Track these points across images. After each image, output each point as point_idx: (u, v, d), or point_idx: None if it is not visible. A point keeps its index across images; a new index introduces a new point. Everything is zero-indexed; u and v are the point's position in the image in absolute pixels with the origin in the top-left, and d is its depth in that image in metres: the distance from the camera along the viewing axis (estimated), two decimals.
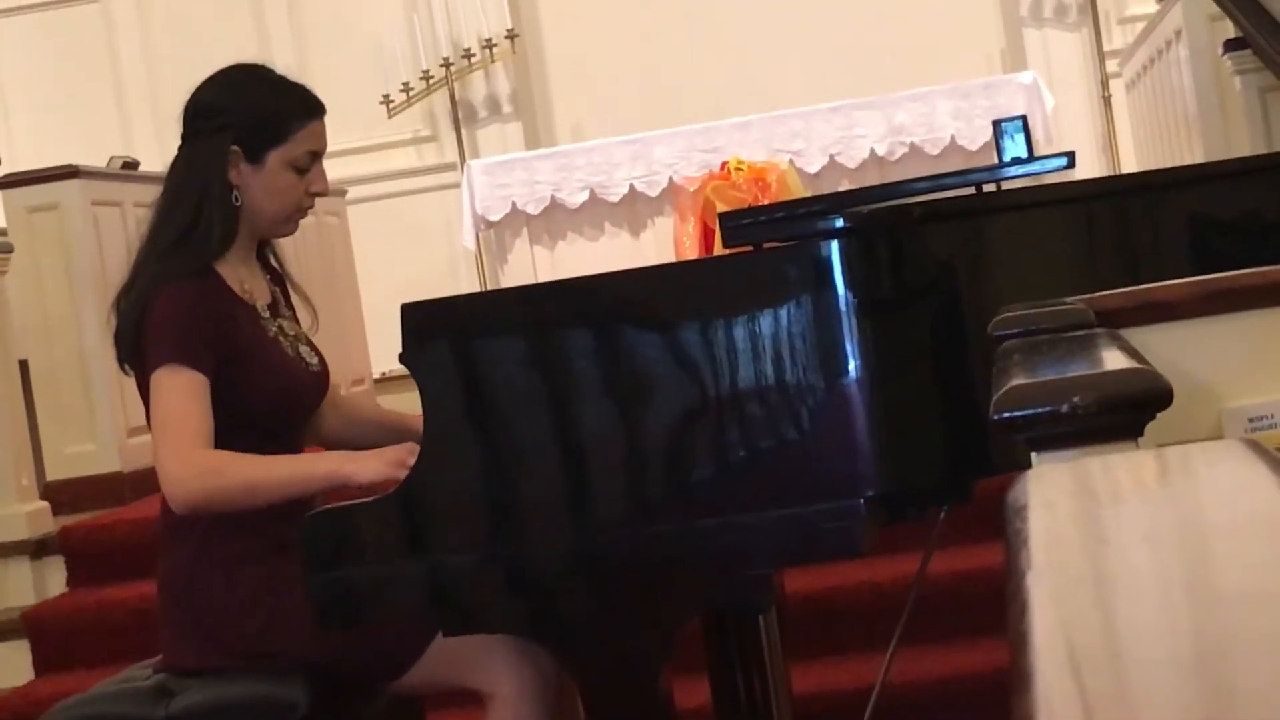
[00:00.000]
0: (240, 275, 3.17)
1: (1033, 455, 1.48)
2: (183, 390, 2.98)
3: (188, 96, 3.18)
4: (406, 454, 2.90)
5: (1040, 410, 1.42)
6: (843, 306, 2.77)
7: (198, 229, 3.09)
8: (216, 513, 2.99)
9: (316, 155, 3.18)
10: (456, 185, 9.23)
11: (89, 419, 5.99)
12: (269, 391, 3.10)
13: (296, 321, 3.30)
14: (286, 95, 3.17)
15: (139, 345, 3.05)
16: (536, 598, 2.85)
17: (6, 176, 6.05)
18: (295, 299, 3.34)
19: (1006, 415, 1.45)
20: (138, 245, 3.17)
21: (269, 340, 3.15)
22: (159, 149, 8.97)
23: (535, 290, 3.77)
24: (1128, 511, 0.98)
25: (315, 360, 3.25)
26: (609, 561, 2.80)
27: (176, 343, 2.99)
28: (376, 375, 8.14)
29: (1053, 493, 0.97)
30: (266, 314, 3.19)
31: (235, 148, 3.11)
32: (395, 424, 3.37)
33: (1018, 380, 1.50)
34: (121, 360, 3.12)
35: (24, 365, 5.93)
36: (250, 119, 3.12)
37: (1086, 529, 0.89)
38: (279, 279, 3.30)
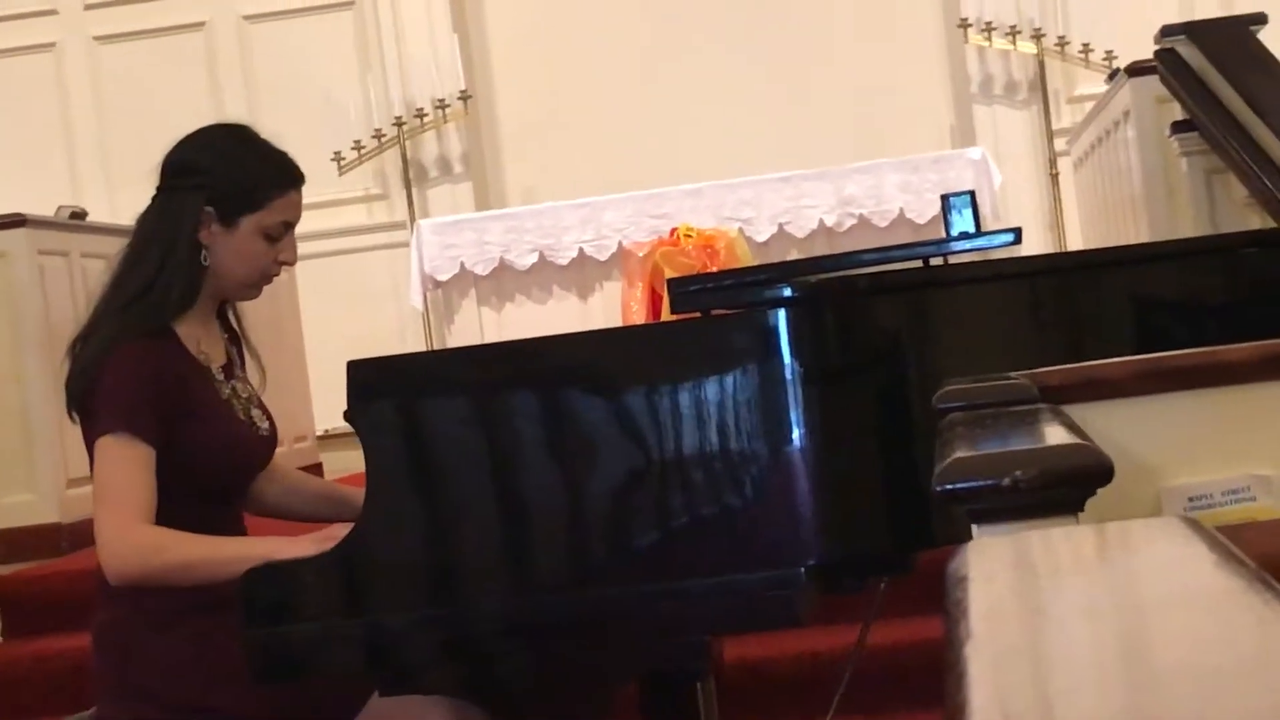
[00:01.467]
0: (198, 335, 3.15)
1: (974, 527, 1.49)
2: (128, 461, 2.96)
3: (145, 148, 3.17)
4: (338, 530, 2.90)
5: (982, 483, 1.43)
6: (788, 375, 2.78)
7: (160, 285, 3.07)
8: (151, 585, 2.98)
9: (290, 225, 3.17)
10: (406, 244, 9.23)
11: (28, 469, 5.95)
12: (217, 454, 3.08)
13: (249, 383, 3.29)
14: (268, 162, 3.15)
15: (89, 402, 3.03)
16: (475, 659, 2.84)
17: None
18: (248, 358, 3.33)
19: (949, 487, 1.46)
20: (98, 293, 3.15)
21: (221, 403, 3.14)
22: (107, 199, 8.97)
23: (482, 351, 3.77)
24: (1067, 585, 0.99)
25: (266, 424, 3.23)
26: (548, 623, 2.79)
27: (126, 412, 2.98)
28: (320, 432, 8.12)
29: (993, 565, 0.98)
30: (220, 376, 3.17)
31: (209, 208, 3.09)
32: (332, 494, 3.37)
33: (960, 453, 1.52)
34: (70, 409, 3.11)
35: None
36: (228, 182, 3.10)
37: (1026, 602, 0.90)
38: (236, 339, 3.29)
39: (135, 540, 2.94)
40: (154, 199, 3.16)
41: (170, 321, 3.10)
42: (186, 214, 3.08)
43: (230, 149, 3.15)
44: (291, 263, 3.23)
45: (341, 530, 2.88)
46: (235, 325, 3.28)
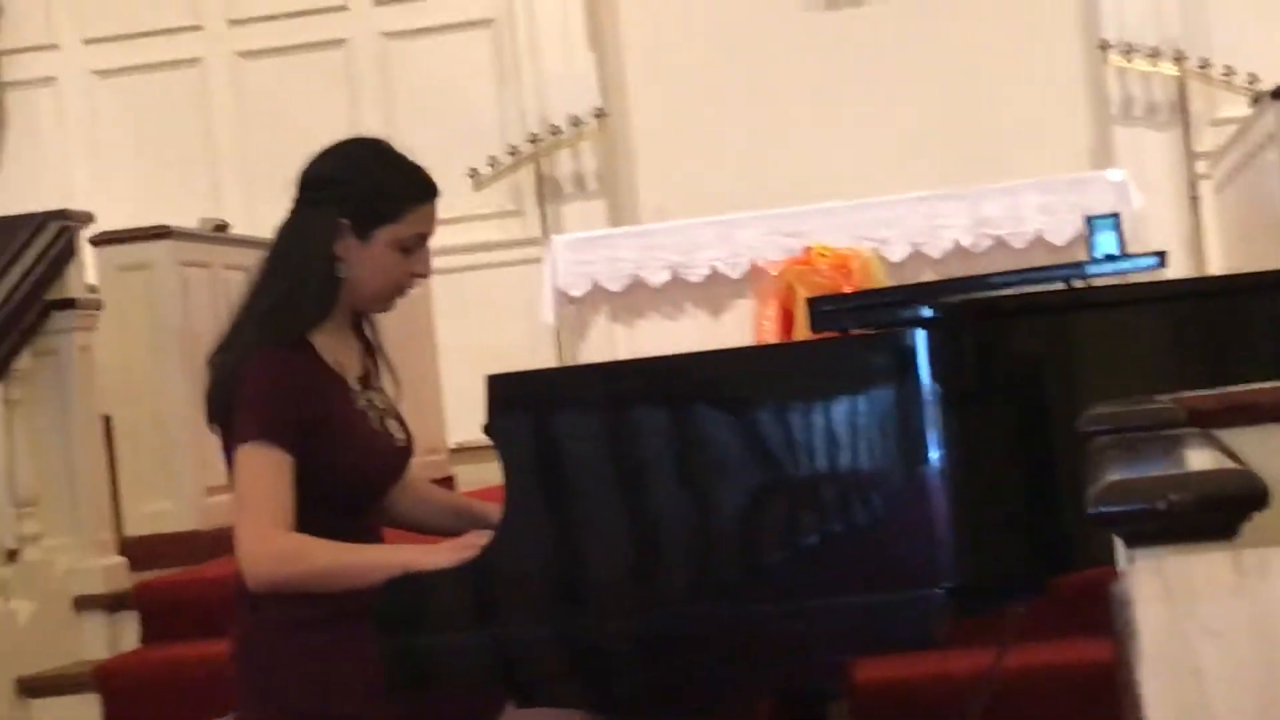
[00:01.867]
0: (334, 347, 3.18)
1: (1126, 551, 1.48)
2: (267, 469, 2.99)
3: (286, 163, 3.21)
4: (476, 539, 2.92)
5: (1136, 507, 1.42)
6: (926, 396, 2.76)
7: (297, 296, 3.11)
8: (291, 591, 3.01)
9: (424, 238, 3.19)
10: (538, 260, 9.27)
11: (169, 477, 6.02)
12: (353, 465, 3.11)
13: (386, 394, 3.31)
14: (404, 175, 3.18)
15: (228, 413, 3.07)
16: (604, 674, 2.85)
17: (99, 235, 6.11)
18: (383, 370, 3.35)
19: (1102, 510, 1.45)
20: (237, 304, 3.19)
21: (356, 414, 3.16)
22: (248, 212, 9.07)
23: (619, 367, 3.78)
24: (1231, 607, 0.98)
25: (401, 435, 3.25)
26: (678, 641, 2.79)
27: (265, 419, 3.01)
28: (452, 445, 8.17)
29: (1158, 588, 0.97)
30: (357, 386, 3.20)
31: (345, 221, 3.11)
32: (462, 508, 3.39)
33: (1113, 476, 1.50)
34: (210, 419, 3.15)
35: (107, 421, 5.98)
36: (364, 194, 3.13)
37: (1194, 623, 0.89)
38: (372, 350, 3.31)
39: (275, 547, 2.97)
40: (291, 211, 3.19)
41: (306, 332, 3.13)
42: (323, 226, 3.12)
43: (366, 162, 3.18)
44: (425, 275, 3.25)
45: (480, 539, 2.89)
46: (370, 337, 3.31)
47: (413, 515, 3.36)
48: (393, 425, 3.24)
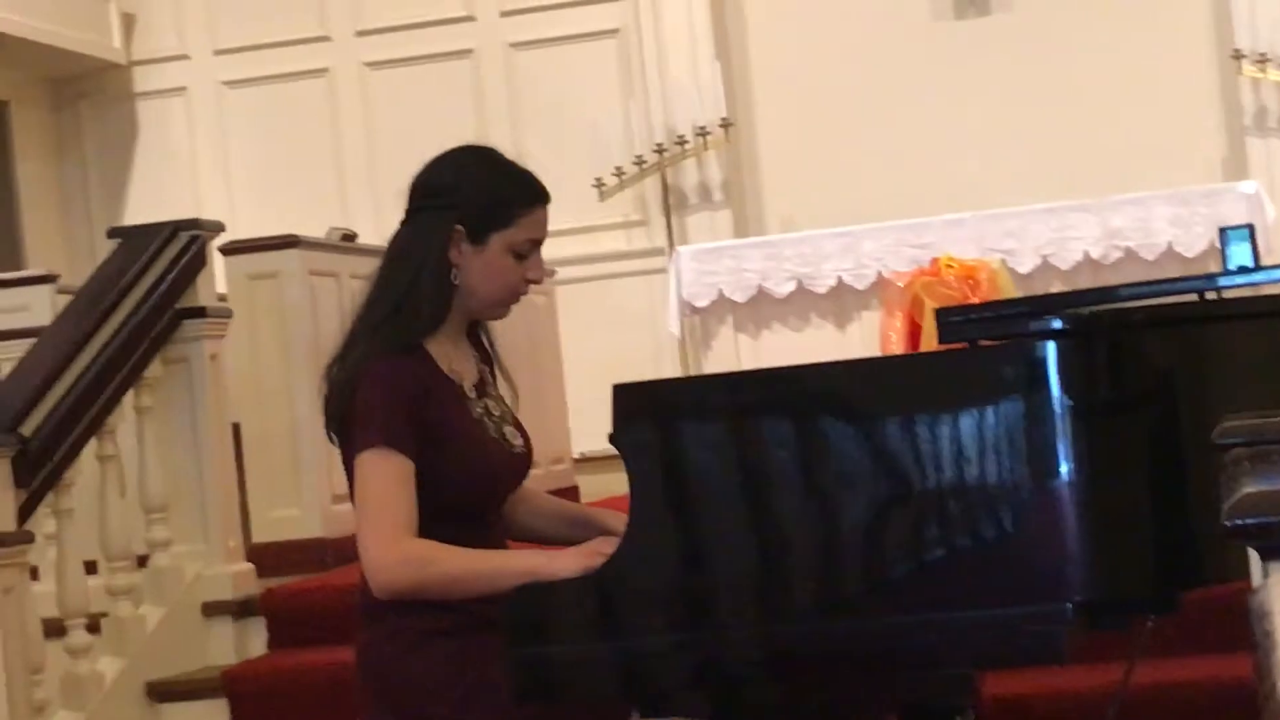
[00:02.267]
0: (449, 354, 3.19)
1: (1262, 564, 1.45)
2: (389, 475, 3.01)
3: (412, 173, 3.22)
4: (602, 546, 2.91)
5: (1273, 519, 1.39)
6: (1057, 408, 2.73)
7: (411, 304, 3.12)
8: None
9: (537, 243, 3.20)
10: (663, 270, 9.27)
11: (295, 484, 6.07)
12: (469, 472, 3.11)
13: (503, 401, 3.32)
14: (514, 180, 3.19)
15: (347, 422, 3.08)
16: (730, 687, 2.84)
17: (229, 244, 6.17)
18: (500, 378, 3.36)
19: (1238, 523, 1.42)
20: (352, 315, 3.21)
21: (472, 421, 3.16)
22: (375, 222, 9.14)
23: (745, 378, 3.77)
24: None
25: (519, 442, 3.25)
26: (803, 654, 2.78)
27: (384, 426, 3.02)
28: (576, 455, 8.18)
29: None
30: (472, 394, 3.20)
31: (459, 227, 3.13)
32: (580, 517, 3.38)
33: (1249, 488, 1.48)
34: (328, 430, 3.16)
35: (235, 429, 6.03)
36: (477, 200, 3.14)
37: None
38: (488, 358, 3.32)
39: (401, 554, 2.98)
40: (403, 222, 3.20)
41: (422, 339, 3.14)
42: (437, 233, 3.13)
43: (477, 169, 3.19)
44: (539, 281, 3.25)
45: (607, 547, 2.88)
46: (487, 344, 3.32)
47: (532, 526, 3.36)
48: (510, 432, 3.24)
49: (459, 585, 2.99)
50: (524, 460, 3.26)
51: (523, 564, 2.98)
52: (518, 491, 3.30)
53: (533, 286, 3.24)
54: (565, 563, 2.94)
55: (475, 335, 3.30)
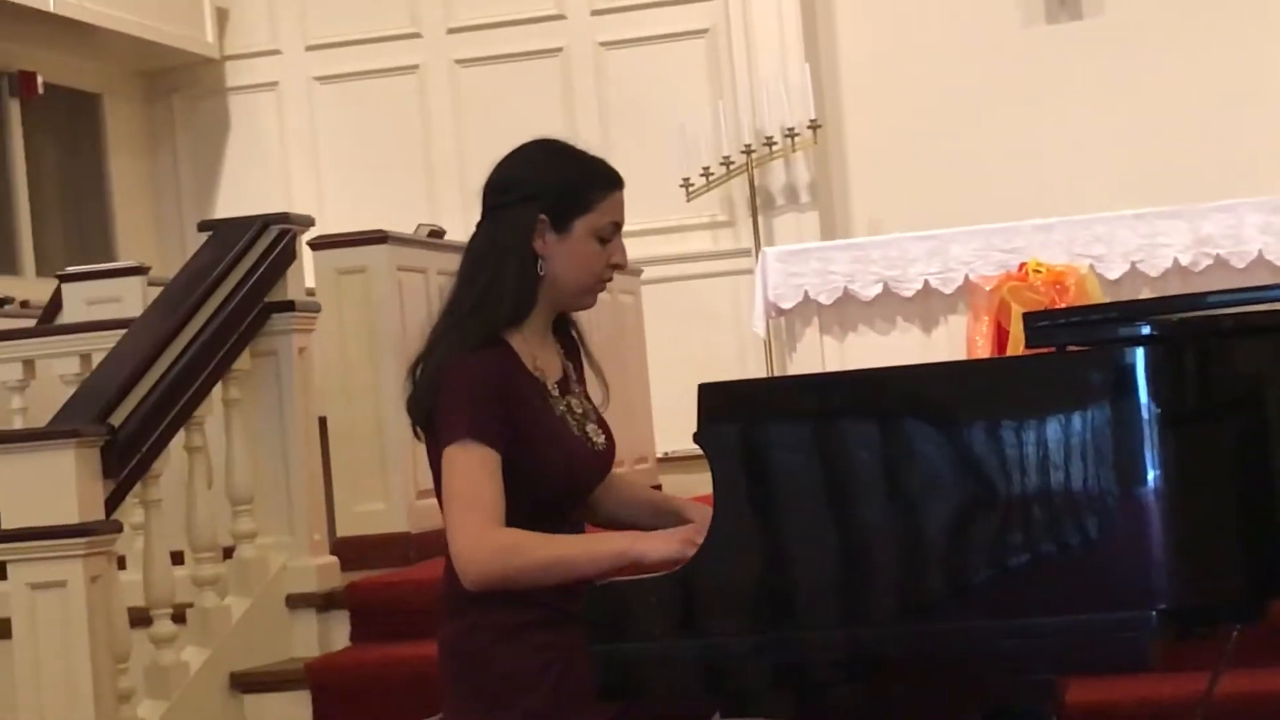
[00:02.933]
0: (533, 349, 3.20)
1: None
2: (476, 467, 3.02)
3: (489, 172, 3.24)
4: (695, 533, 2.91)
5: None
6: (1145, 415, 2.72)
7: (491, 299, 3.14)
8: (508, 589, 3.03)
9: (618, 226, 3.22)
10: (749, 271, 9.27)
11: (381, 478, 6.10)
12: (551, 470, 3.12)
13: (588, 398, 3.32)
14: (587, 166, 3.22)
15: (432, 417, 3.10)
16: (808, 687, 2.84)
17: (318, 238, 6.21)
18: (589, 374, 3.37)
19: None
20: (436, 312, 3.23)
21: (554, 418, 3.18)
22: (463, 219, 9.16)
23: (831, 379, 3.77)
24: None
25: (602, 439, 3.26)
26: (885, 656, 2.77)
27: (470, 418, 3.04)
28: (660, 454, 8.19)
29: None
30: (555, 391, 3.21)
31: (543, 217, 3.15)
32: (665, 506, 3.39)
33: None
34: (415, 426, 3.18)
35: (322, 422, 6.07)
36: (556, 189, 3.16)
37: None
38: (574, 355, 3.33)
39: (492, 544, 2.99)
40: (480, 223, 3.22)
41: (505, 331, 3.15)
42: (521, 226, 3.15)
43: (550, 160, 3.22)
44: (624, 265, 3.27)
45: (700, 536, 2.88)
46: (576, 336, 3.33)
47: (617, 515, 3.37)
48: (592, 429, 3.25)
49: (551, 571, 3.00)
50: (606, 458, 3.27)
51: (612, 546, 2.99)
52: (606, 482, 3.32)
53: (619, 286, 3.25)
54: (655, 544, 2.95)
55: (562, 331, 3.32)
